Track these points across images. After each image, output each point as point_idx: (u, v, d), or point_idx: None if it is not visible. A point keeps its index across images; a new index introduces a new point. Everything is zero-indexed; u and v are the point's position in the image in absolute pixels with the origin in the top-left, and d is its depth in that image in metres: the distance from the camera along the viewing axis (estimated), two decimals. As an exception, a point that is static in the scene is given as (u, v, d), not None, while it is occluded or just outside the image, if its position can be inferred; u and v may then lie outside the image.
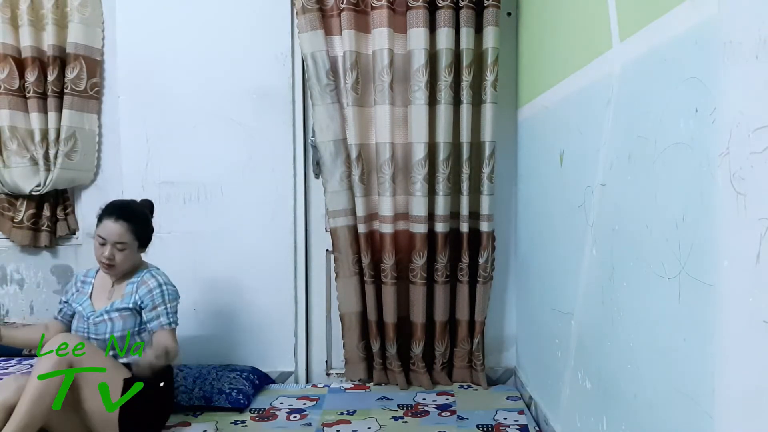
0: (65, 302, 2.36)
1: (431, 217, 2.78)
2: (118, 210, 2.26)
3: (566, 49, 2.03)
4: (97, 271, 2.36)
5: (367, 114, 2.80)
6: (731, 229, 0.99)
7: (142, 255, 2.37)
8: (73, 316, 2.33)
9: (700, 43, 1.11)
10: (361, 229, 2.79)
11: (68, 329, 2.32)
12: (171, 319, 2.25)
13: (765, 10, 0.90)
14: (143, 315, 2.25)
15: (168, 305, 2.25)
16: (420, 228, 2.76)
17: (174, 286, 2.31)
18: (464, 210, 2.76)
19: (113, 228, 2.21)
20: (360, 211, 2.78)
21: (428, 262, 2.79)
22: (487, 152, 2.73)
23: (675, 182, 1.21)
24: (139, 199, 2.44)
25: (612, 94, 1.57)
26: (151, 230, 2.38)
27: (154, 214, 2.44)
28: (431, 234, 2.79)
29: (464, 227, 2.78)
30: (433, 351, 2.87)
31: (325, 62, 2.78)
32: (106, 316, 2.23)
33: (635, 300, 1.42)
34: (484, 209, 2.77)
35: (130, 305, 2.24)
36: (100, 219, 2.25)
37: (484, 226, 2.78)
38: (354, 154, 2.76)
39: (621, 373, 1.51)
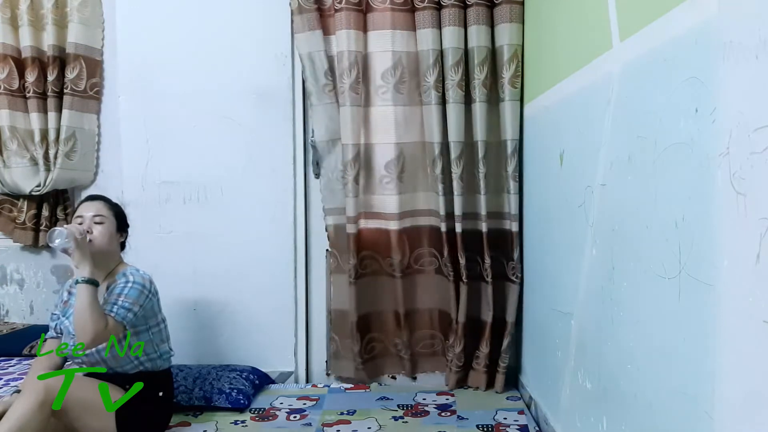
0: (55, 314, 2.28)
1: (436, 215, 2.77)
2: (91, 195, 2.33)
3: (566, 49, 2.03)
4: None
5: (367, 114, 2.79)
6: (731, 229, 0.98)
7: (124, 257, 2.31)
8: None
9: (700, 43, 1.11)
10: (350, 229, 2.78)
11: None
12: (116, 310, 2.08)
13: (765, 10, 0.90)
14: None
15: (122, 297, 2.11)
16: (424, 224, 2.79)
17: (142, 286, 2.16)
18: (482, 209, 2.71)
19: (89, 205, 2.21)
20: (351, 212, 2.76)
21: (454, 262, 2.75)
22: (509, 150, 2.68)
23: (675, 182, 1.21)
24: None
25: (612, 94, 1.57)
26: (126, 222, 2.32)
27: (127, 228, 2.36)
28: (435, 233, 2.78)
29: (483, 227, 2.72)
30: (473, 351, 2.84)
31: (323, 62, 2.77)
32: None
33: (635, 300, 1.42)
34: (512, 208, 2.69)
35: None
36: (74, 211, 2.28)
37: (514, 226, 2.70)
38: (353, 154, 2.75)
39: (621, 373, 1.51)
